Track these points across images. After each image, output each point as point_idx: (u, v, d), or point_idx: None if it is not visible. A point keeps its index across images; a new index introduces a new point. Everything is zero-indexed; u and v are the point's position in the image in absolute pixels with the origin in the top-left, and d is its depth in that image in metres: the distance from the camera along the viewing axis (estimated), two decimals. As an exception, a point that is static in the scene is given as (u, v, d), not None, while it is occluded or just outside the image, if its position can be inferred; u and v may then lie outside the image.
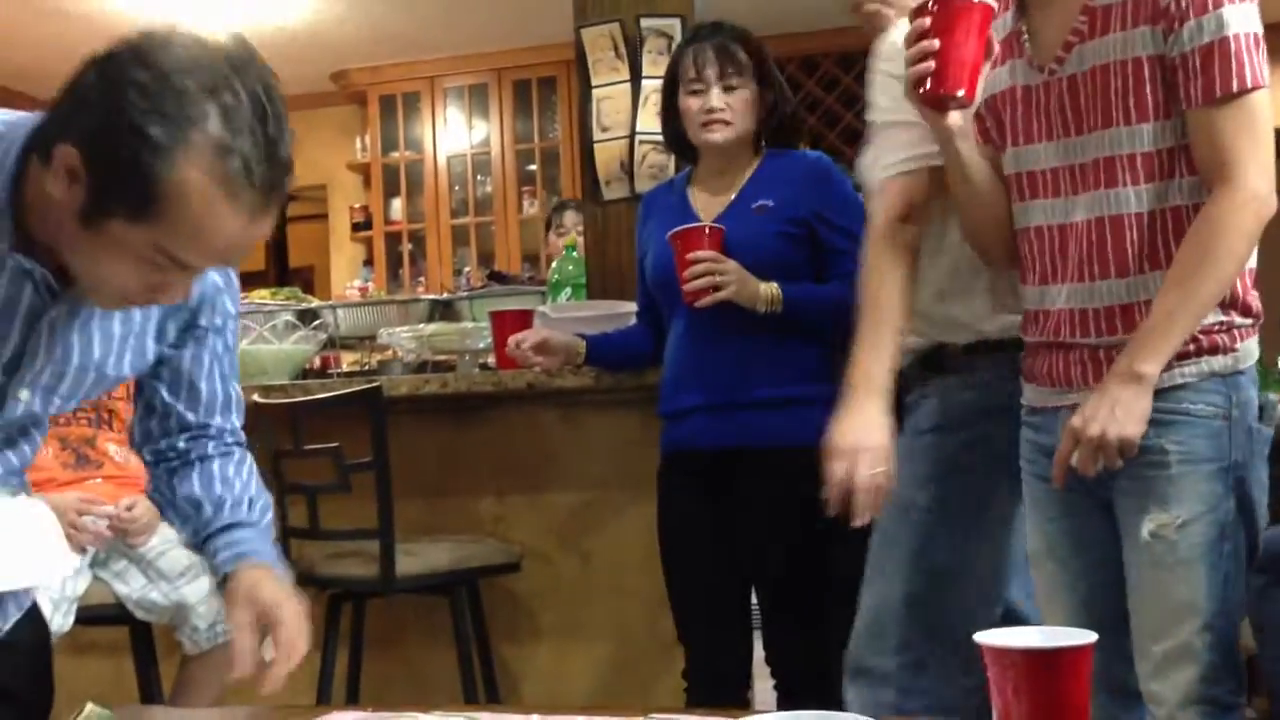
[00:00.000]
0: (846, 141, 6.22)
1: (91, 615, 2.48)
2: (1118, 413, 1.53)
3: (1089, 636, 1.02)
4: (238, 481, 1.50)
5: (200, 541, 1.48)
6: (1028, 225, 1.69)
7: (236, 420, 1.54)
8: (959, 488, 1.85)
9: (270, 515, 1.51)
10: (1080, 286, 1.62)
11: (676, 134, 2.35)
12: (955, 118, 1.65)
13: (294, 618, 1.37)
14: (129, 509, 2.46)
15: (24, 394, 1.29)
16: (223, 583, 1.43)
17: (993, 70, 1.67)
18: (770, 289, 2.18)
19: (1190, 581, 1.56)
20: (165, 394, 1.47)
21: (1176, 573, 1.56)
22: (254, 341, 3.12)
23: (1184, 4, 1.52)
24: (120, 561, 2.50)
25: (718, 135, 2.26)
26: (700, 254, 2.17)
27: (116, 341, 1.33)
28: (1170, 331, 1.54)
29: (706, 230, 2.20)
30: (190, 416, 1.48)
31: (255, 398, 2.73)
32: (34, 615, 1.48)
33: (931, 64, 1.58)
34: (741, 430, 2.20)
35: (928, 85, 1.59)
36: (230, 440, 1.53)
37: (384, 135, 7.31)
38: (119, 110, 1.09)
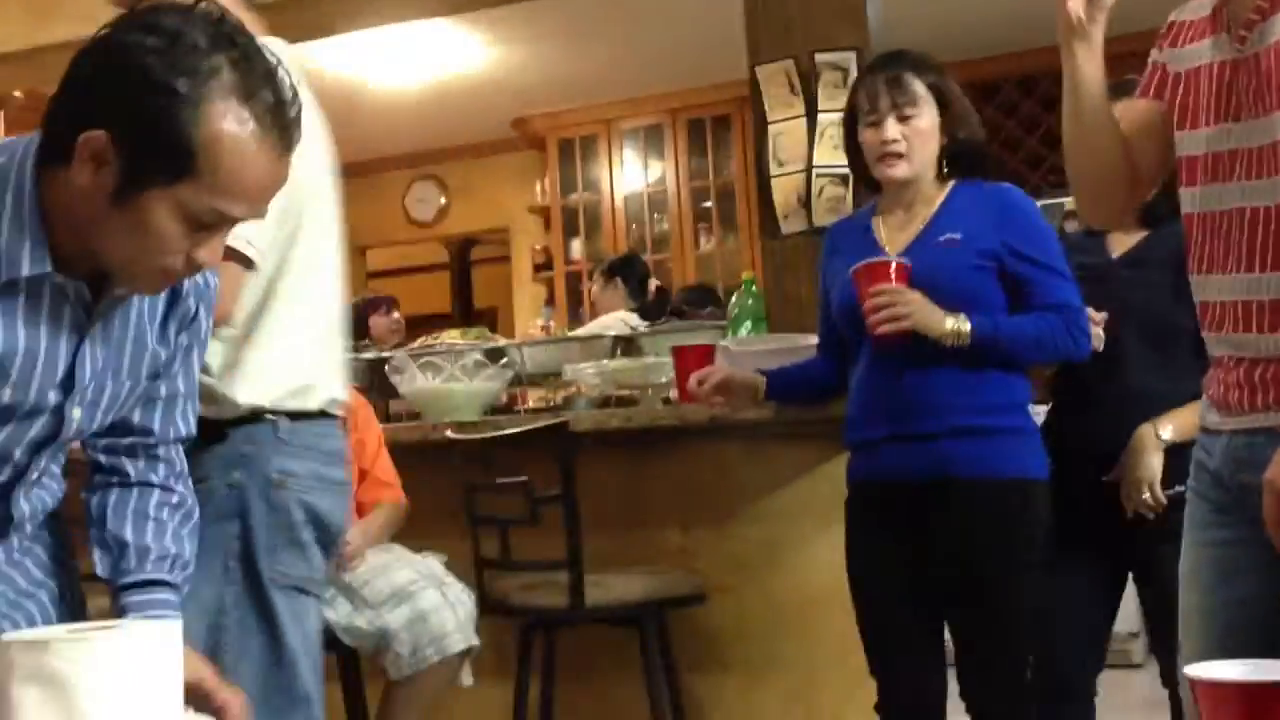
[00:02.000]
0: (1030, 166, 6.08)
1: (302, 641, 2.61)
2: None
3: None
4: (169, 531, 1.46)
5: (116, 585, 1.43)
6: (1191, 211, 1.60)
7: (176, 437, 1.49)
8: None
9: (189, 572, 1.47)
10: (1244, 278, 1.52)
11: (860, 168, 2.35)
12: (1077, 6, 1.56)
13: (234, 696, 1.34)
14: (346, 542, 2.58)
15: (76, 412, 1.33)
16: None
17: (1197, 42, 1.61)
18: (957, 323, 2.15)
19: None
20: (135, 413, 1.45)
21: None
22: (445, 380, 3.24)
23: None
24: (328, 589, 2.62)
25: (895, 170, 2.24)
26: (883, 286, 2.16)
27: (130, 347, 1.36)
28: None
29: (892, 265, 2.19)
30: (148, 440, 1.47)
31: (448, 433, 2.84)
32: None
33: None
34: (933, 461, 2.17)
35: None
36: (177, 471, 1.50)
37: (563, 178, 7.50)
38: (141, 77, 1.15)
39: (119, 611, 1.42)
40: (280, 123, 1.20)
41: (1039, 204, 2.38)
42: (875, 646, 2.31)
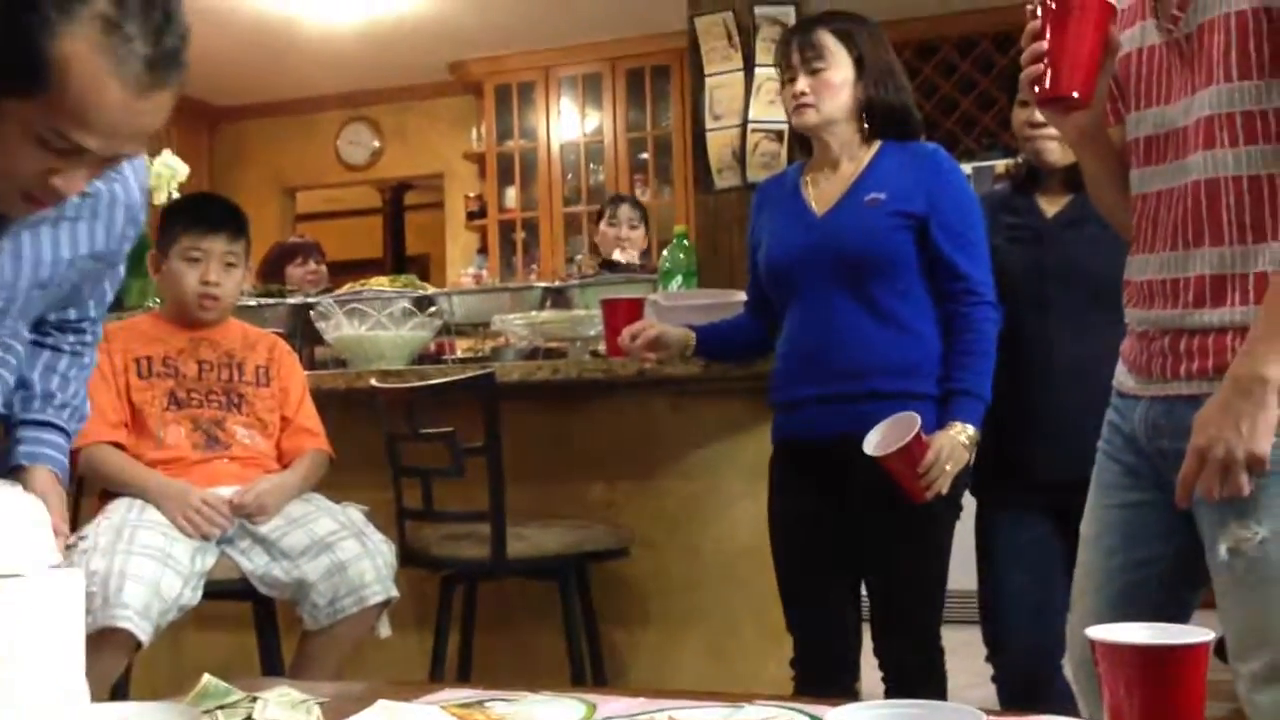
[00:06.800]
0: (963, 128, 6.11)
1: (218, 590, 2.57)
2: (1243, 428, 1.41)
3: (1205, 635, 1.00)
4: (73, 385, 1.72)
5: (16, 420, 1.67)
6: (1136, 193, 1.62)
7: (99, 316, 1.74)
8: None
9: (82, 425, 1.76)
10: (1174, 255, 1.54)
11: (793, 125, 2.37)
12: (1080, 119, 1.61)
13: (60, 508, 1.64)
14: (246, 492, 2.55)
15: None
16: (11, 469, 1.64)
17: (1129, 28, 1.62)
18: (967, 438, 2.17)
19: (1273, 600, 1.45)
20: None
21: (1259, 592, 1.45)
22: (371, 328, 3.19)
23: None
24: (245, 539, 2.58)
25: (804, 117, 2.26)
26: (925, 463, 2.12)
27: (34, 264, 1.45)
28: None
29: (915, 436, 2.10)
30: (71, 315, 1.70)
31: (373, 382, 2.81)
32: None
33: (1042, 66, 1.53)
34: (856, 421, 2.18)
35: (1043, 86, 1.54)
36: (90, 340, 1.74)
37: (499, 124, 7.41)
38: None
39: (14, 448, 1.66)
40: (148, 56, 1.18)
41: (971, 166, 2.40)
42: (792, 603, 2.33)
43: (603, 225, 4.79)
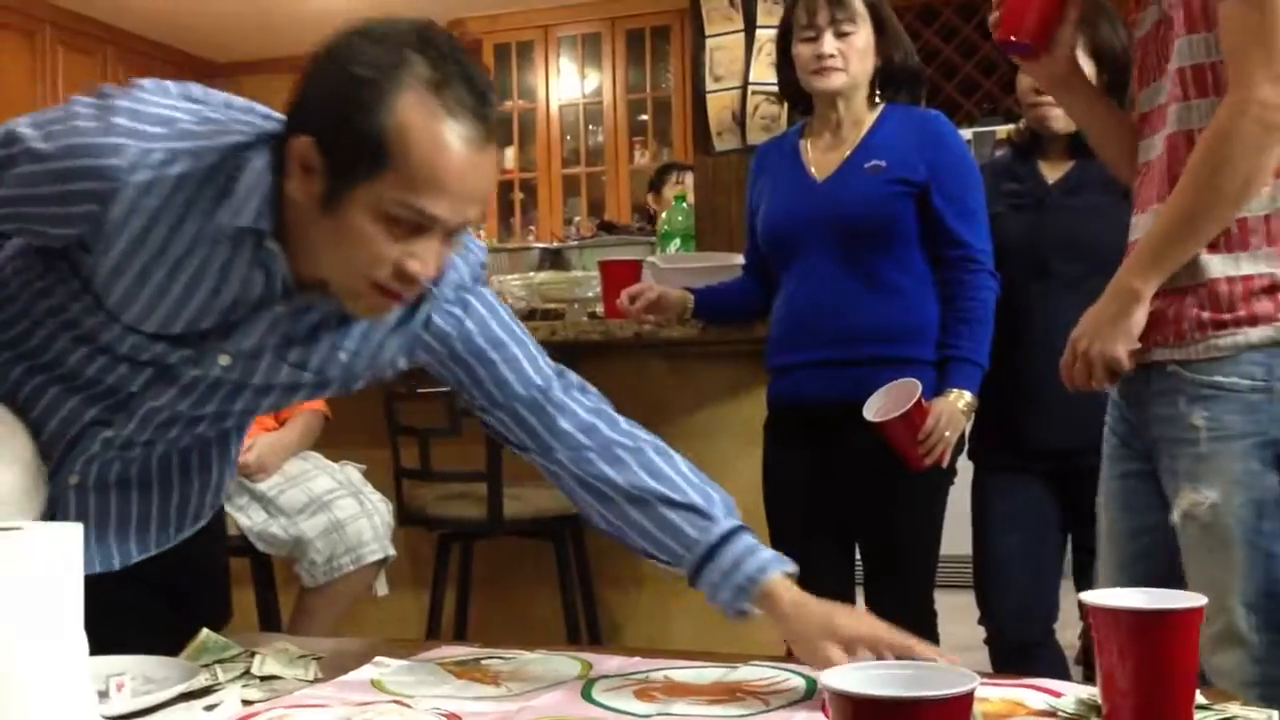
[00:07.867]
0: (964, 93, 6.07)
1: (215, 546, 2.58)
2: (1105, 330, 1.52)
3: (1198, 600, 1.00)
4: (669, 471, 1.39)
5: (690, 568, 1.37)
6: (1142, 162, 1.63)
7: (549, 370, 1.47)
8: None
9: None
10: (1153, 211, 1.55)
11: (791, 84, 2.33)
12: (1050, 66, 1.66)
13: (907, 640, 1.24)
14: (247, 450, 2.55)
15: (224, 360, 1.29)
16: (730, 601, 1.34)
17: (1144, 10, 1.63)
18: (965, 404, 2.18)
19: (1227, 564, 1.47)
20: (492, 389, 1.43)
21: (1214, 555, 1.48)
22: (370, 287, 3.19)
23: None
24: (243, 496, 2.59)
25: (831, 79, 2.23)
26: (925, 429, 2.13)
27: (322, 345, 1.31)
28: (1163, 248, 1.48)
29: (919, 401, 2.12)
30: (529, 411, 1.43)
31: (371, 341, 2.80)
32: (213, 530, 1.56)
33: (998, 13, 1.62)
34: (851, 386, 2.19)
35: (997, 31, 1.63)
36: (586, 399, 1.46)
37: (498, 84, 7.37)
38: (339, 73, 1.15)
39: (717, 593, 1.36)
40: (478, 114, 1.16)
41: (972, 131, 2.38)
42: (786, 566, 2.34)
43: (666, 191, 4.83)
